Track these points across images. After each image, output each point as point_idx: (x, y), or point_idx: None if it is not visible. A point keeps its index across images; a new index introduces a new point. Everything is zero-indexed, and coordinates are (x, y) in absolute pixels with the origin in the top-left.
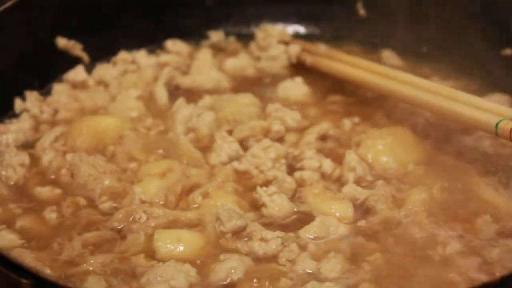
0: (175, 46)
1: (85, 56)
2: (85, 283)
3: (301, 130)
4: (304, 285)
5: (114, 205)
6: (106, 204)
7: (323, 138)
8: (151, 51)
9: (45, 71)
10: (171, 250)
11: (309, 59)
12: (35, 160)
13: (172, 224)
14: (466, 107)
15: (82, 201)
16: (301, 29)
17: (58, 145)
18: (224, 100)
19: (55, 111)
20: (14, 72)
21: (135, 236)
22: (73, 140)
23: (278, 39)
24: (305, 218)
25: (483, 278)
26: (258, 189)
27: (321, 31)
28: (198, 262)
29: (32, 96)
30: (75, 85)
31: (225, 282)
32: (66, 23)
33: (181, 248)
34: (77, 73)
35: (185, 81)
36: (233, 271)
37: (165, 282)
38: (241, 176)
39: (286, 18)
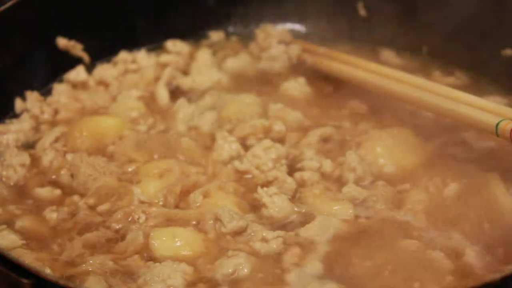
0: (175, 46)
1: (85, 56)
2: (85, 283)
3: (302, 130)
4: (307, 285)
5: (113, 206)
6: (104, 205)
7: (324, 140)
8: (151, 51)
9: (45, 71)
10: (167, 248)
11: (309, 59)
12: (35, 161)
13: (171, 224)
14: (466, 107)
15: (82, 202)
16: (301, 29)
17: (58, 146)
18: (226, 99)
19: (56, 111)
20: (14, 72)
21: (134, 236)
22: (73, 140)
23: (278, 39)
24: (306, 219)
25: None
26: (259, 189)
27: (321, 31)
28: (197, 260)
29: (32, 96)
30: (76, 85)
31: (230, 278)
32: (66, 23)
33: (178, 245)
34: (78, 73)
35: (185, 81)
36: (240, 267)
37: (162, 282)
38: (242, 176)
39: (286, 18)
